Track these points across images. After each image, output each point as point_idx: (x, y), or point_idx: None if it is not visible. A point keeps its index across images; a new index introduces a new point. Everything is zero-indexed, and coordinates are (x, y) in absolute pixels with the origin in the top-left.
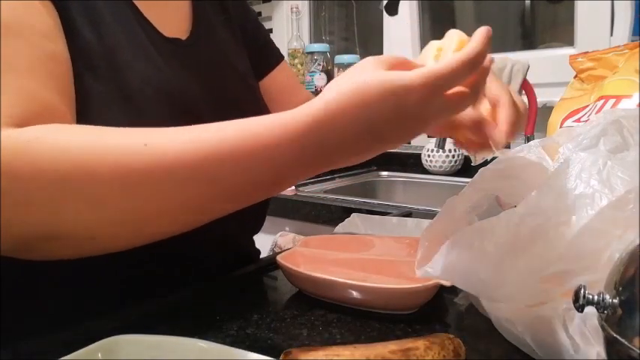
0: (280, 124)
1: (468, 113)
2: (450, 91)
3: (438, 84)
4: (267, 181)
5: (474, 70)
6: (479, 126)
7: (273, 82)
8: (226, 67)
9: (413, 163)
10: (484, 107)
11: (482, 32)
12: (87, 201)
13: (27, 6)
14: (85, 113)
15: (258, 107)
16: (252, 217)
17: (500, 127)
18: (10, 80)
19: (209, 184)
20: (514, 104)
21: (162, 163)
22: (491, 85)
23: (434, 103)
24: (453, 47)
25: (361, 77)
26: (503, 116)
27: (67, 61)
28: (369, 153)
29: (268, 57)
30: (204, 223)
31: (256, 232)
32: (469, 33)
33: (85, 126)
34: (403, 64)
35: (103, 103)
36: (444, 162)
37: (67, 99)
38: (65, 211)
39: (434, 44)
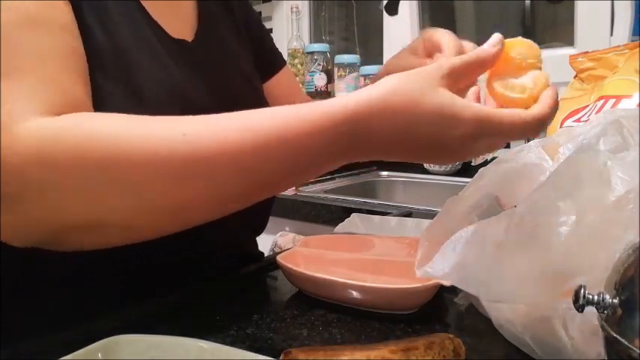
0: (321, 112)
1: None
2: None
3: (488, 128)
4: (300, 170)
5: (533, 132)
6: None
7: (275, 86)
8: (231, 68)
9: (413, 163)
10: None
11: (551, 95)
12: (124, 189)
13: (51, 3)
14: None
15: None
16: (256, 218)
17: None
18: (41, 71)
19: (246, 175)
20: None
21: (201, 154)
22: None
23: (477, 144)
24: (534, 93)
25: (419, 86)
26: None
27: (85, 57)
28: (395, 159)
29: (271, 61)
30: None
31: (259, 233)
32: (469, 33)
33: (119, 114)
34: (467, 70)
35: (113, 103)
36: None
37: (89, 93)
38: (102, 198)
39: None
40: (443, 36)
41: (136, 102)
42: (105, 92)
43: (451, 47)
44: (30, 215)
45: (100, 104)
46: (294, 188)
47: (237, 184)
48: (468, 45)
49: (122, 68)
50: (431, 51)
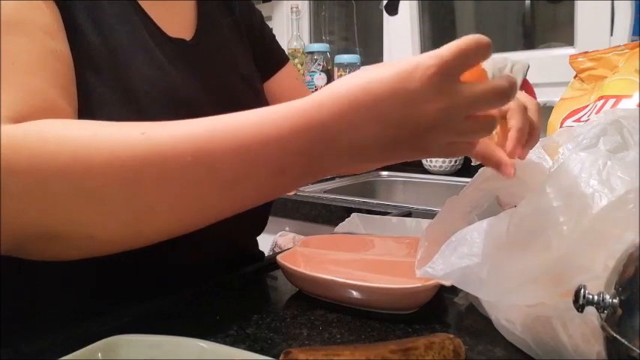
0: (284, 114)
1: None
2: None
3: (445, 67)
4: (267, 175)
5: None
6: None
7: (278, 83)
8: (230, 69)
9: (413, 162)
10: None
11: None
12: (84, 195)
13: (29, 4)
14: (88, 113)
15: None
16: (255, 218)
17: (508, 149)
18: (12, 76)
19: (206, 174)
20: (523, 111)
21: (159, 152)
22: None
23: (442, 87)
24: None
25: (369, 72)
26: (513, 136)
27: (69, 59)
28: (383, 149)
29: (274, 58)
30: (208, 224)
31: (259, 233)
32: (469, 33)
33: (83, 120)
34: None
35: (106, 104)
36: (444, 162)
37: (68, 96)
38: (63, 205)
39: None
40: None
41: (130, 102)
42: (99, 93)
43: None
44: None
45: (94, 105)
46: None
47: (197, 185)
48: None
49: (116, 69)
50: None
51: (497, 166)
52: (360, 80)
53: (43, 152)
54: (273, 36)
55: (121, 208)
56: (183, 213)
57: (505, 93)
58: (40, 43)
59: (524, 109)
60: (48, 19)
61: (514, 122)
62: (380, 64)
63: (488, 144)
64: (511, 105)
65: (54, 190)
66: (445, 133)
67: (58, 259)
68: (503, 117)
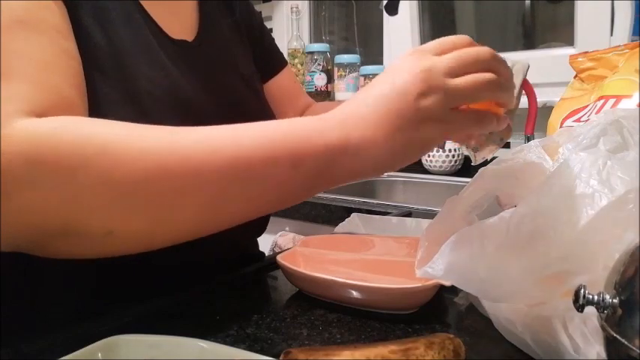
0: (314, 128)
1: None
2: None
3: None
4: (294, 189)
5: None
6: None
7: (276, 86)
8: (232, 70)
9: (413, 162)
10: None
11: None
12: (109, 187)
13: (41, 4)
14: (93, 113)
15: (262, 110)
16: (256, 220)
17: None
18: (30, 73)
19: (235, 185)
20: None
21: (191, 160)
22: None
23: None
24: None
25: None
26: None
27: (79, 59)
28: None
29: (273, 61)
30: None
31: (260, 234)
32: (469, 33)
33: (111, 121)
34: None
35: (110, 104)
36: (444, 162)
37: (81, 95)
38: (86, 196)
39: None
40: None
41: (133, 103)
42: (103, 93)
43: None
44: (13, 217)
45: (98, 105)
46: None
47: (232, 199)
48: None
49: (120, 69)
50: None
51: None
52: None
53: (73, 143)
54: (272, 38)
55: (142, 205)
56: (205, 219)
57: (493, 83)
58: (53, 42)
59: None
60: (58, 19)
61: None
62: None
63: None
64: None
65: (79, 180)
66: (433, 99)
67: (74, 257)
68: None
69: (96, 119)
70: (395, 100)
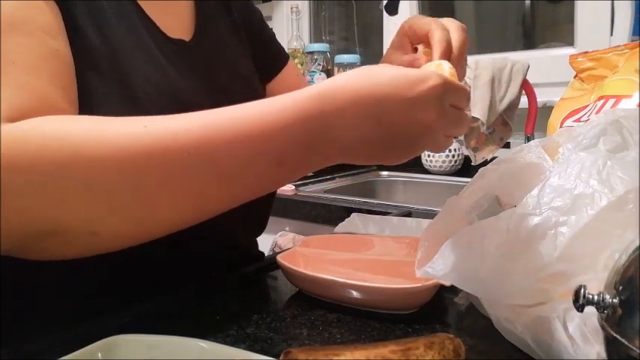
0: (284, 105)
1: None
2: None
3: (448, 86)
4: (267, 165)
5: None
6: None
7: (283, 82)
8: (229, 69)
9: (413, 162)
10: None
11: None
12: (86, 189)
13: (29, 4)
14: (89, 113)
15: None
16: (256, 219)
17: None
18: (12, 76)
19: (208, 166)
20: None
21: (161, 144)
22: (416, 22)
23: (443, 103)
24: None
25: (374, 72)
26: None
27: (70, 59)
28: (380, 148)
29: (275, 58)
30: (207, 219)
31: (259, 234)
32: (469, 33)
33: (83, 116)
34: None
35: (107, 104)
36: (444, 162)
37: (69, 96)
38: (66, 200)
39: (431, 65)
40: (429, 29)
41: (131, 102)
42: (100, 93)
43: (440, 42)
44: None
45: (94, 105)
46: (294, 188)
47: (199, 177)
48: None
49: (116, 69)
50: (415, 42)
51: None
52: (364, 80)
53: (45, 147)
54: (274, 35)
55: (123, 201)
56: (185, 205)
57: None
58: (40, 43)
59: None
60: (48, 19)
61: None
62: (383, 65)
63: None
64: (432, 26)
65: (57, 185)
66: (432, 139)
67: (58, 258)
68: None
69: (68, 117)
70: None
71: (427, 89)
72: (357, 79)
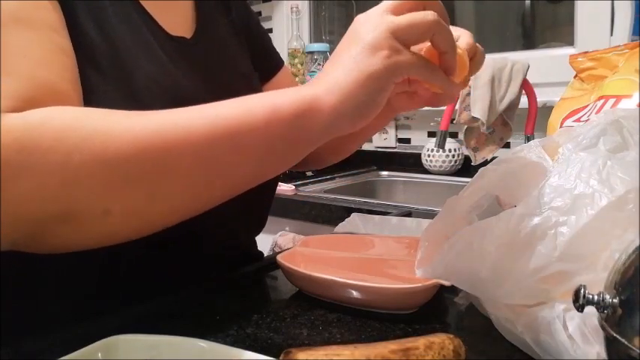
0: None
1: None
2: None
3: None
4: (259, 156)
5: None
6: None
7: (277, 86)
8: (229, 67)
9: (413, 162)
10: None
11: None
12: (103, 166)
13: (36, 3)
14: None
15: None
16: (254, 218)
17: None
18: (25, 69)
19: (200, 163)
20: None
21: (176, 135)
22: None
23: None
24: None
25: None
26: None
27: (74, 57)
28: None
29: (270, 63)
30: (206, 209)
31: (258, 232)
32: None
33: (91, 108)
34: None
35: (107, 101)
36: (444, 162)
37: (77, 89)
38: (82, 178)
39: None
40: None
41: (132, 100)
42: (99, 90)
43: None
44: (12, 207)
45: (95, 103)
46: (294, 188)
47: (202, 175)
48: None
49: (118, 67)
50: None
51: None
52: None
53: (64, 127)
54: (270, 38)
55: (136, 179)
56: (193, 194)
57: (426, 24)
58: (48, 39)
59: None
60: (52, 17)
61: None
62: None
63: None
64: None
65: (75, 162)
66: (382, 39)
67: (71, 249)
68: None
69: (81, 107)
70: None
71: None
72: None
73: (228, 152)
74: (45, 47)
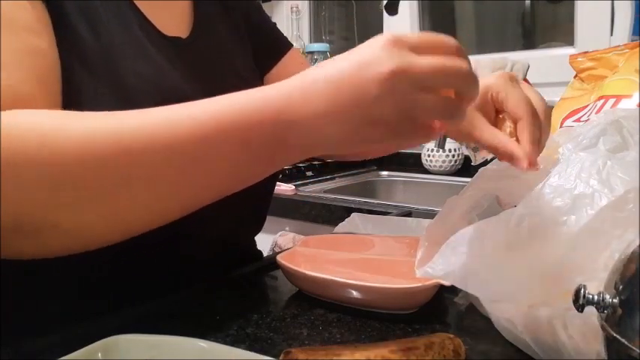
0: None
1: (486, 138)
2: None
3: (399, 37)
4: (238, 163)
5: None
6: (499, 152)
7: (284, 69)
8: (227, 67)
9: (413, 162)
10: (506, 127)
11: None
12: (51, 180)
13: (11, 3)
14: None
15: None
16: (253, 217)
17: (524, 149)
18: None
19: (166, 166)
20: (535, 116)
21: (126, 151)
22: (509, 97)
23: (394, 52)
24: None
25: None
26: (525, 137)
27: (52, 57)
28: (361, 134)
29: (275, 45)
30: (178, 216)
31: (257, 232)
32: (469, 33)
33: (53, 110)
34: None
35: (98, 101)
36: (444, 162)
37: (48, 93)
38: (29, 193)
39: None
40: (518, 107)
41: (125, 100)
42: (90, 89)
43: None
44: None
45: (86, 103)
46: (294, 188)
47: (169, 179)
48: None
49: (110, 67)
50: (496, 108)
51: (509, 158)
52: (322, 70)
53: (10, 138)
54: (274, 24)
55: (84, 196)
56: (149, 211)
57: (464, 73)
58: (18, 40)
59: (535, 115)
60: (30, 16)
61: (524, 136)
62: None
63: (497, 133)
64: (521, 114)
65: (25, 178)
66: (393, 102)
67: (31, 257)
68: (515, 123)
69: (37, 110)
70: (352, 93)
71: (370, 45)
72: (318, 73)
73: (172, 166)
74: (11, 49)
